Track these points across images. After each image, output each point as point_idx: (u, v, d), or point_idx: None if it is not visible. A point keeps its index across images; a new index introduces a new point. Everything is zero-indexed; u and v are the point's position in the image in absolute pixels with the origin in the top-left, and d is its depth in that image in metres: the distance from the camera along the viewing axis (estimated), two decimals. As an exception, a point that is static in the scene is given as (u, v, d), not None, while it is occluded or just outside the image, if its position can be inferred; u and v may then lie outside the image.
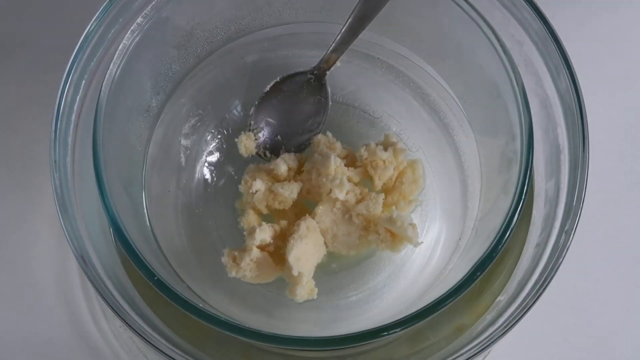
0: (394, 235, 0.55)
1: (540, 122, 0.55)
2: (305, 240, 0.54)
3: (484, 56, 0.52)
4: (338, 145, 0.59)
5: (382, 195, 0.56)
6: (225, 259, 0.54)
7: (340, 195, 0.55)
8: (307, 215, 0.56)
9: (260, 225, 0.54)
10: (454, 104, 0.59)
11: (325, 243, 0.56)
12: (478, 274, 0.48)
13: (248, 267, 0.54)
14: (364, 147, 0.58)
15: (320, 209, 0.56)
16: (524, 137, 0.51)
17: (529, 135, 0.51)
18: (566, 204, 0.53)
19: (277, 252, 0.55)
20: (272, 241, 0.55)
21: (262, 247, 0.54)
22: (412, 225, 0.54)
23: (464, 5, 0.53)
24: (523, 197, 0.50)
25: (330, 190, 0.55)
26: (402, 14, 0.57)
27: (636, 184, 0.65)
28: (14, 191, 0.63)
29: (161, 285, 0.48)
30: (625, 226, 0.64)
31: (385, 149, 0.58)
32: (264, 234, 0.54)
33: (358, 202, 0.56)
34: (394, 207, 0.57)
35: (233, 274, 0.54)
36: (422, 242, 0.58)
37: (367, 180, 0.58)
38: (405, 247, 0.57)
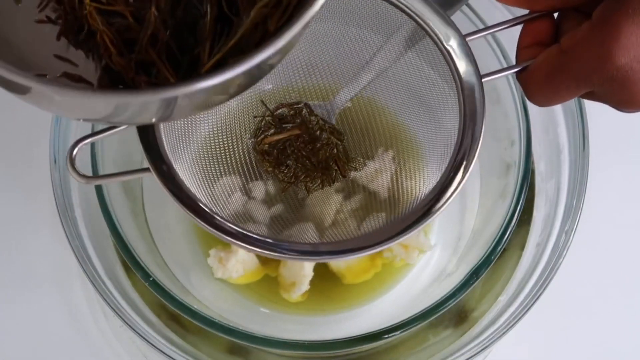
0: (406, 246, 0.55)
1: (540, 122, 0.55)
2: None
3: (484, 60, 0.52)
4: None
5: (383, 214, 0.56)
6: (211, 260, 0.55)
7: None
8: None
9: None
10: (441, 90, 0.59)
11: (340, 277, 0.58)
12: (476, 277, 0.48)
13: (234, 269, 0.55)
14: (353, 168, 0.57)
15: None
16: (523, 143, 0.52)
17: (527, 141, 0.51)
18: (566, 204, 0.53)
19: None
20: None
21: None
22: (420, 232, 0.55)
23: (464, 8, 0.53)
24: (520, 203, 0.50)
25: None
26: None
27: (636, 183, 0.65)
28: (14, 191, 0.63)
29: (156, 287, 0.48)
30: (625, 226, 0.64)
31: (372, 159, 0.57)
32: None
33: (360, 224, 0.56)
34: None
35: (219, 274, 0.55)
36: (434, 245, 0.57)
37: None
38: (418, 255, 0.57)
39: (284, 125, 0.50)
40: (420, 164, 0.49)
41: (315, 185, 0.51)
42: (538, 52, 0.41)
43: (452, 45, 0.44)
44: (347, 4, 0.47)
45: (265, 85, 0.50)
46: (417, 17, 0.45)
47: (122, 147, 0.55)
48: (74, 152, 0.41)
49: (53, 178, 0.52)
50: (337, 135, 0.51)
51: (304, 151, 0.50)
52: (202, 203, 0.42)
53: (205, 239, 0.59)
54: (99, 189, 0.50)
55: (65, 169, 0.53)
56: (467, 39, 0.44)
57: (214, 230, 0.41)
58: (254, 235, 0.42)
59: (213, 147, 0.48)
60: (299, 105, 0.51)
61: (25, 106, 0.65)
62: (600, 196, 0.59)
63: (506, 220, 0.50)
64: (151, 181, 0.58)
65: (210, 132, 0.48)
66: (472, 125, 0.43)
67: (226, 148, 0.49)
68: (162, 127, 0.42)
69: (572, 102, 0.54)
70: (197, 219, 0.41)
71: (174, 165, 0.42)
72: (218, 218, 0.41)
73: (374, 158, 0.55)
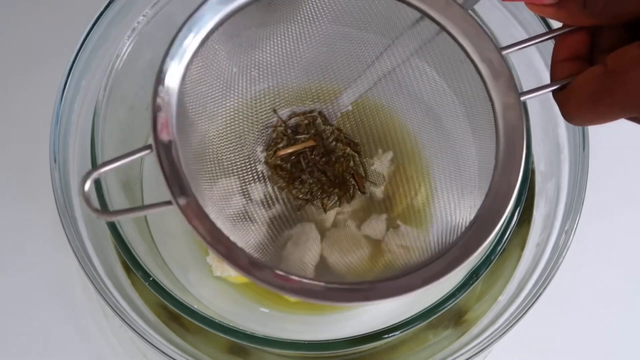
0: (407, 247, 0.55)
1: (540, 122, 0.55)
2: (301, 246, 0.54)
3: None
4: None
5: (385, 215, 0.56)
6: (210, 259, 0.55)
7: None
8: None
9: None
10: (454, 107, 0.59)
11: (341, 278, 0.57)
12: (476, 277, 0.48)
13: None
14: (352, 164, 0.56)
15: (324, 246, 0.56)
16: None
17: (527, 141, 0.51)
18: (566, 204, 0.53)
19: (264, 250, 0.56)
20: (257, 242, 0.56)
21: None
22: (421, 233, 0.55)
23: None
24: (520, 203, 0.50)
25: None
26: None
27: (636, 183, 0.65)
28: (14, 191, 0.63)
29: (156, 286, 0.48)
30: (625, 226, 0.64)
31: (371, 158, 0.57)
32: (249, 234, 0.55)
33: (360, 224, 0.56)
34: (399, 222, 0.57)
35: (218, 273, 0.55)
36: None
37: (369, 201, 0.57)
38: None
39: (297, 137, 0.48)
40: (427, 178, 0.49)
41: (332, 203, 0.49)
42: (575, 67, 0.38)
43: (489, 61, 0.40)
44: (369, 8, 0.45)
45: (264, 83, 0.49)
46: (449, 29, 0.41)
47: (122, 147, 0.56)
48: (87, 187, 0.38)
49: (53, 178, 0.52)
50: (354, 147, 0.48)
51: (319, 164, 0.47)
52: (226, 237, 0.38)
53: (205, 238, 0.59)
54: (99, 189, 0.50)
55: (65, 169, 0.53)
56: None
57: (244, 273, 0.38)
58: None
59: (222, 158, 0.47)
60: (313, 114, 0.48)
61: (25, 106, 0.65)
62: (600, 196, 0.59)
63: (506, 220, 0.50)
64: (151, 182, 0.59)
65: (220, 144, 0.47)
66: (512, 153, 0.39)
67: (235, 158, 0.47)
68: (181, 158, 0.39)
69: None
70: (219, 253, 0.38)
71: (196, 196, 0.39)
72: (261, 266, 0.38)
73: (373, 159, 0.55)
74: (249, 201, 0.53)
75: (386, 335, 0.47)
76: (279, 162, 0.47)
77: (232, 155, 0.47)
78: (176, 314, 0.50)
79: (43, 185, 0.54)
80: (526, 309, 0.51)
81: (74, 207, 0.52)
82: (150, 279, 0.49)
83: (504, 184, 0.38)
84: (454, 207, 0.43)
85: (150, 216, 0.57)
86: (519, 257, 0.54)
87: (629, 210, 0.64)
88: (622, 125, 0.62)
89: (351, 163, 0.48)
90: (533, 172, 0.55)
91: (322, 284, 0.37)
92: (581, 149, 0.53)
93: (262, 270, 0.37)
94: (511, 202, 0.38)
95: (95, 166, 0.51)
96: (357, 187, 0.48)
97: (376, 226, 0.55)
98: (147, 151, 0.38)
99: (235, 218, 0.45)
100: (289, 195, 0.48)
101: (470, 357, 0.51)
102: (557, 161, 0.55)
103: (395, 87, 0.48)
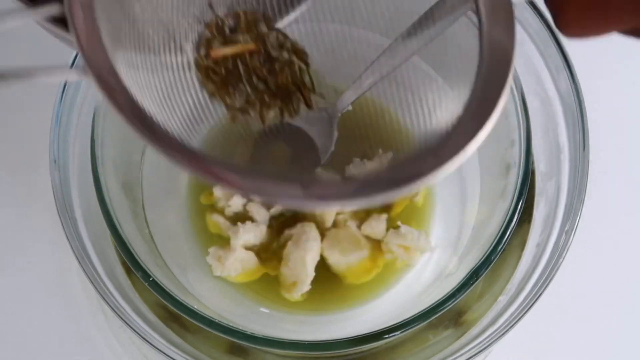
0: (407, 248, 0.55)
1: (540, 122, 0.55)
2: (302, 246, 0.54)
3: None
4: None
5: (385, 216, 0.56)
6: (210, 259, 0.55)
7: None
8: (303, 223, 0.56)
9: (243, 224, 0.55)
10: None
11: (341, 278, 0.57)
12: (476, 277, 0.48)
13: (232, 267, 0.55)
14: (351, 165, 0.56)
15: (324, 246, 0.56)
16: (522, 143, 0.51)
17: (527, 141, 0.51)
18: (566, 204, 0.53)
19: (264, 250, 0.56)
20: (257, 241, 0.56)
21: (247, 247, 0.55)
22: (421, 233, 0.55)
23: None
24: (520, 203, 0.50)
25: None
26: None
27: (636, 184, 0.65)
28: (14, 191, 0.63)
29: (156, 287, 0.49)
30: (625, 226, 0.64)
31: (371, 159, 0.56)
32: (248, 234, 0.55)
33: (360, 224, 0.56)
34: (399, 222, 0.57)
35: (218, 273, 0.55)
36: (436, 247, 0.58)
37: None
38: (419, 257, 0.57)
39: (235, 37, 0.41)
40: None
41: (273, 116, 0.42)
42: None
43: None
44: None
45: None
46: None
47: (122, 147, 0.56)
48: None
49: (53, 178, 0.52)
50: (302, 56, 0.42)
51: (259, 72, 0.41)
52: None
53: (205, 237, 0.59)
54: (99, 190, 0.50)
55: (65, 169, 0.53)
56: None
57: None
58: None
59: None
60: (256, 15, 0.42)
61: (25, 106, 0.65)
62: (600, 196, 0.59)
63: (506, 220, 0.50)
64: (151, 181, 0.58)
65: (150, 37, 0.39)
66: (496, 70, 0.34)
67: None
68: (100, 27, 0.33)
69: (572, 102, 0.54)
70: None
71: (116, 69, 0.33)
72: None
73: (373, 159, 0.55)
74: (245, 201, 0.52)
75: (386, 336, 0.47)
76: (211, 64, 0.40)
77: (158, 47, 0.40)
78: (176, 314, 0.50)
79: (43, 185, 0.54)
80: (526, 309, 0.51)
81: (74, 207, 0.52)
82: (150, 279, 0.49)
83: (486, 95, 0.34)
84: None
85: (150, 216, 0.57)
86: (519, 257, 0.54)
87: (630, 210, 0.64)
88: (622, 125, 0.62)
89: (298, 75, 0.42)
90: (533, 172, 0.55)
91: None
92: (581, 149, 0.53)
93: (189, 155, 0.32)
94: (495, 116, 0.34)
95: (95, 165, 0.50)
96: (303, 99, 0.42)
97: (376, 226, 0.56)
98: (58, 5, 0.33)
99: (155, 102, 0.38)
100: (220, 103, 0.42)
101: (470, 358, 0.51)
102: (557, 161, 0.55)
103: (390, 81, 0.45)
